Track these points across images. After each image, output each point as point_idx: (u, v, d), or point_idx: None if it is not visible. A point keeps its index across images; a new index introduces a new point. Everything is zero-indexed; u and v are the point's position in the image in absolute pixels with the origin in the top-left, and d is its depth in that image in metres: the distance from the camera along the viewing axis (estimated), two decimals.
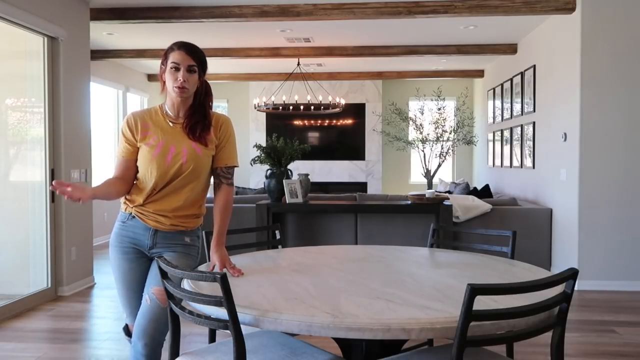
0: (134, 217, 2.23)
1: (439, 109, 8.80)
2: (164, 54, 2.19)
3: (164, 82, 2.20)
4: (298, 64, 7.69)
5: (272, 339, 2.04)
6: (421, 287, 1.84)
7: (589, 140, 4.91)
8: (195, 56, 2.17)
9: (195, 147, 2.20)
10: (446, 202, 5.17)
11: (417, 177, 10.07)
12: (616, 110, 4.89)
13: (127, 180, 2.23)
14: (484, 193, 6.26)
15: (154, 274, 2.18)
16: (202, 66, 2.21)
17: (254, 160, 5.16)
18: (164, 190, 2.20)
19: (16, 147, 4.76)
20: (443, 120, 8.73)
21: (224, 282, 1.53)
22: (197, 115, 2.23)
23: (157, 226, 2.21)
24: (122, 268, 2.25)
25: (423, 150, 8.68)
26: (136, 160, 2.23)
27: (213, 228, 2.25)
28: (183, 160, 2.18)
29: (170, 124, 2.22)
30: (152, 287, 2.15)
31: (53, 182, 1.92)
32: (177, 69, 2.13)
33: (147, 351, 2.12)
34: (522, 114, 6.71)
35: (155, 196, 2.20)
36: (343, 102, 7.95)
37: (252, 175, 10.04)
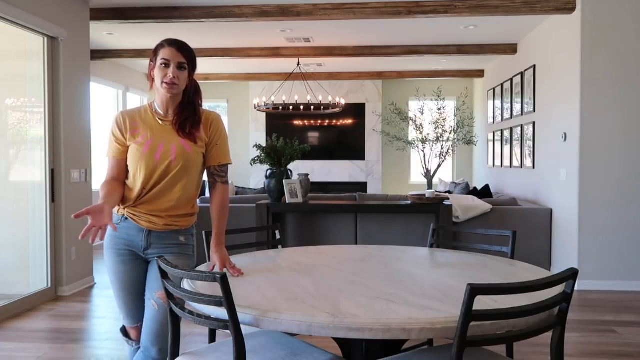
0: (126, 218, 2.21)
1: (439, 109, 8.80)
2: (153, 51, 2.17)
3: (153, 79, 2.18)
4: (298, 64, 7.69)
5: (272, 339, 2.04)
6: (421, 287, 1.84)
7: (589, 140, 4.91)
8: (186, 53, 2.15)
9: (185, 144, 2.18)
10: (446, 202, 5.17)
11: (417, 177, 10.07)
12: (616, 110, 4.89)
13: (122, 181, 2.21)
14: (484, 193, 6.26)
15: (154, 277, 2.17)
16: (192, 64, 2.20)
17: (254, 160, 5.16)
18: (154, 190, 2.18)
19: (16, 147, 4.76)
20: (443, 120, 8.73)
21: (224, 282, 1.53)
22: (187, 112, 2.21)
23: (150, 227, 2.19)
24: (117, 270, 2.23)
25: (423, 150, 8.67)
26: (127, 160, 2.21)
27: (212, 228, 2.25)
28: (172, 158, 2.16)
29: (160, 121, 2.21)
30: (157, 292, 2.13)
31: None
32: (166, 65, 2.11)
33: (162, 356, 2.12)
34: (522, 114, 6.71)
35: (146, 196, 2.18)
36: (343, 102, 7.95)
37: (252, 175, 10.03)
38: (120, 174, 2.21)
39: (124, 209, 2.21)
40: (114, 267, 2.24)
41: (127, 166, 2.22)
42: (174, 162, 2.17)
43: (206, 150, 2.26)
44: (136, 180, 2.17)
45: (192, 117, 2.21)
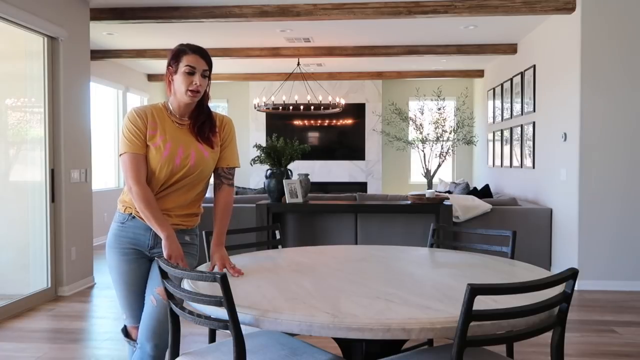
0: (133, 217, 2.20)
1: (439, 109, 8.80)
2: (173, 55, 2.13)
3: (170, 83, 2.16)
4: (298, 64, 7.69)
5: (272, 339, 2.04)
6: (421, 287, 1.84)
7: (589, 140, 4.91)
8: (209, 61, 2.16)
9: (203, 149, 2.19)
10: (446, 202, 5.17)
11: (417, 177, 10.07)
12: (616, 110, 4.89)
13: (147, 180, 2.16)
14: (484, 193, 6.26)
15: (155, 274, 2.16)
16: (211, 71, 2.21)
17: (254, 160, 5.16)
18: (166, 191, 2.18)
19: (16, 147, 4.76)
20: (443, 120, 8.73)
21: (224, 282, 1.53)
22: (202, 116, 2.22)
23: None
24: (121, 269, 2.23)
25: (423, 150, 8.68)
26: (146, 156, 2.15)
27: (213, 228, 2.25)
28: (191, 163, 2.17)
29: (177, 124, 2.20)
30: (157, 288, 2.13)
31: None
32: (191, 73, 2.10)
33: (156, 352, 2.11)
34: (522, 114, 6.71)
35: (157, 196, 2.18)
36: (343, 102, 7.95)
37: (252, 175, 10.04)
38: (146, 173, 2.13)
39: (132, 208, 2.19)
40: (119, 266, 2.23)
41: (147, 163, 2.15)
42: (193, 167, 2.17)
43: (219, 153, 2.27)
44: (152, 182, 2.16)
45: (209, 121, 2.22)
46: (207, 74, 2.15)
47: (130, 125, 2.12)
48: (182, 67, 2.10)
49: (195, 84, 2.11)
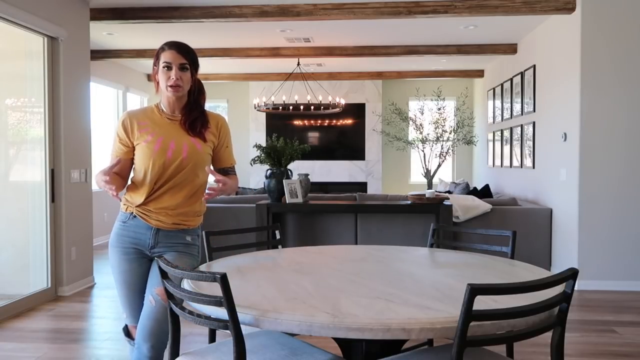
0: (135, 216, 2.22)
1: (439, 109, 8.80)
2: (155, 55, 2.21)
3: (158, 82, 2.22)
4: (298, 64, 7.69)
5: (272, 339, 2.04)
6: (421, 287, 1.84)
7: (589, 140, 4.91)
8: (187, 54, 2.18)
9: (195, 142, 2.22)
10: (446, 202, 5.17)
11: (417, 177, 10.08)
12: (616, 110, 4.89)
13: (123, 177, 2.25)
14: (484, 193, 6.26)
15: (155, 274, 2.17)
16: (194, 64, 2.23)
17: (254, 160, 5.16)
18: (164, 187, 2.20)
19: (16, 147, 4.76)
20: (443, 120, 8.73)
21: (224, 282, 1.53)
22: (194, 112, 2.25)
23: (159, 225, 2.21)
24: (122, 268, 2.24)
25: (423, 150, 8.68)
26: (131, 159, 2.24)
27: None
28: (184, 156, 2.19)
29: (167, 120, 2.24)
30: (156, 288, 2.14)
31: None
32: (169, 68, 2.15)
33: (153, 353, 2.11)
34: (522, 114, 6.71)
35: (156, 194, 2.20)
36: (343, 102, 7.95)
37: (252, 175, 10.04)
38: (122, 171, 2.24)
39: (134, 207, 2.22)
40: (120, 265, 2.24)
41: (130, 166, 2.26)
42: (186, 160, 2.19)
43: (214, 151, 2.31)
44: (146, 177, 2.19)
45: (201, 117, 2.26)
46: (186, 67, 2.17)
47: (115, 134, 2.27)
48: (160, 64, 2.17)
49: (172, 78, 2.14)
